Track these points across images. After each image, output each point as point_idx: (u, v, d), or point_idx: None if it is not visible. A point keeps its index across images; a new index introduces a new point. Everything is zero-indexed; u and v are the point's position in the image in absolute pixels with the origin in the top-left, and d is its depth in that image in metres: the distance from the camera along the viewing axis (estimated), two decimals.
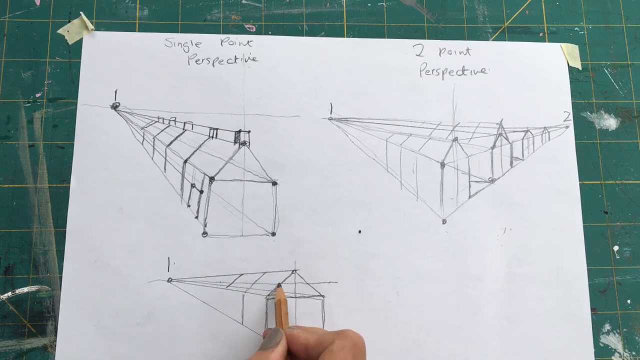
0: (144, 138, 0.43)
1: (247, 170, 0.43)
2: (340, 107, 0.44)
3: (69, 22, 0.45)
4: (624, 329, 0.42)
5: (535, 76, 0.46)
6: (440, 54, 0.46)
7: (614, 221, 0.44)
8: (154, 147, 0.42)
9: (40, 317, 0.40)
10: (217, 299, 0.40)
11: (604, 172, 0.45)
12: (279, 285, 0.40)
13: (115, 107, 0.43)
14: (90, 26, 0.44)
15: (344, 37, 0.46)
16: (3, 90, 0.44)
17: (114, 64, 0.43)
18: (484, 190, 0.44)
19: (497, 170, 0.44)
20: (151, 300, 0.40)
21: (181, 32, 0.45)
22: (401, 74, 0.45)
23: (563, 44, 0.47)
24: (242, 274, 0.41)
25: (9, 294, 0.40)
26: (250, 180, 0.42)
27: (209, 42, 0.44)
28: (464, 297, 0.41)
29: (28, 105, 0.43)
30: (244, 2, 0.46)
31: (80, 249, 0.40)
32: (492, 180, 0.44)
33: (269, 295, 0.41)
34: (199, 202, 0.42)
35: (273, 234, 0.42)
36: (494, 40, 0.47)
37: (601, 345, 0.42)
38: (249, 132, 0.43)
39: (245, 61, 0.44)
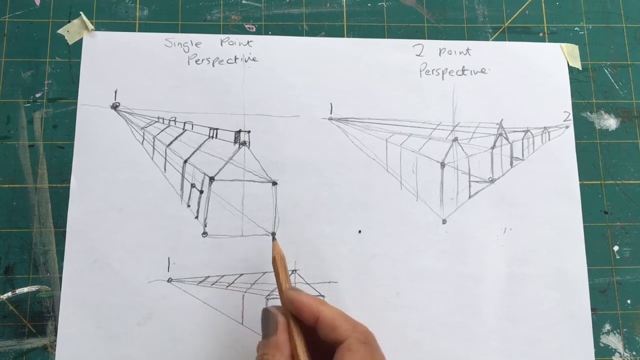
0: (144, 138, 0.43)
1: (247, 170, 0.43)
2: (340, 107, 0.44)
3: (69, 22, 0.45)
4: (624, 329, 0.42)
5: (535, 76, 0.46)
6: (440, 54, 0.46)
7: (614, 221, 0.44)
8: (154, 147, 0.42)
9: (40, 317, 0.40)
10: (217, 299, 0.40)
11: (604, 172, 0.45)
12: (273, 238, 0.39)
13: (115, 107, 0.43)
14: (90, 26, 0.44)
15: (344, 37, 0.46)
16: (3, 90, 0.44)
17: (114, 64, 0.43)
18: (484, 190, 0.44)
19: (497, 170, 0.44)
20: (151, 300, 0.40)
21: (181, 32, 0.45)
22: (401, 74, 0.45)
23: (563, 44, 0.47)
24: (242, 274, 0.41)
25: (9, 294, 0.40)
26: (250, 180, 0.42)
27: (209, 42, 0.44)
28: (464, 297, 0.41)
29: (28, 105, 0.43)
30: (244, 2, 0.47)
31: (80, 249, 0.40)
32: (492, 180, 0.44)
33: (269, 295, 0.41)
34: (199, 202, 0.42)
35: (273, 234, 0.42)
36: (494, 40, 0.47)
37: (601, 345, 0.42)
38: (249, 132, 0.43)
39: (245, 61, 0.44)
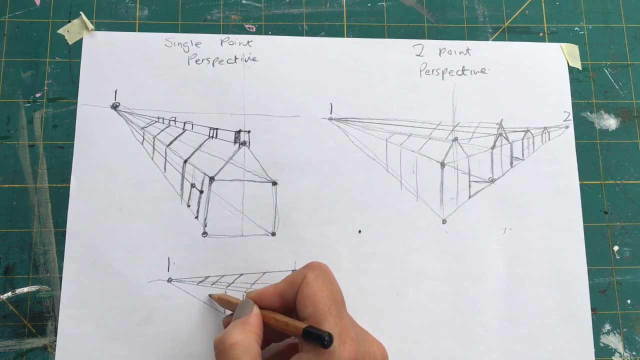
0: (144, 138, 0.43)
1: (247, 170, 0.43)
2: (340, 107, 0.44)
3: (69, 22, 0.45)
4: (624, 329, 0.42)
5: (535, 76, 0.46)
6: (440, 54, 0.46)
7: (614, 221, 0.44)
8: (154, 147, 0.42)
9: (40, 317, 0.40)
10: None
11: (604, 172, 0.45)
12: (210, 295, 0.40)
13: (115, 107, 0.43)
14: (90, 26, 0.44)
15: (344, 37, 0.46)
16: (3, 90, 0.44)
17: (114, 64, 0.43)
18: (484, 190, 0.44)
19: (497, 170, 0.44)
20: (151, 300, 0.40)
21: (181, 32, 0.45)
22: (401, 74, 0.45)
23: (563, 44, 0.47)
24: (242, 274, 0.41)
25: (9, 294, 0.40)
26: (250, 180, 0.42)
27: (209, 42, 0.44)
28: (464, 297, 0.41)
29: (28, 105, 0.43)
30: (244, 2, 0.47)
31: (80, 249, 0.40)
32: (492, 180, 0.44)
33: None
34: (199, 202, 0.42)
35: (273, 234, 0.42)
36: (494, 40, 0.47)
37: (601, 345, 0.42)
38: (249, 132, 0.43)
39: (245, 61, 0.44)
